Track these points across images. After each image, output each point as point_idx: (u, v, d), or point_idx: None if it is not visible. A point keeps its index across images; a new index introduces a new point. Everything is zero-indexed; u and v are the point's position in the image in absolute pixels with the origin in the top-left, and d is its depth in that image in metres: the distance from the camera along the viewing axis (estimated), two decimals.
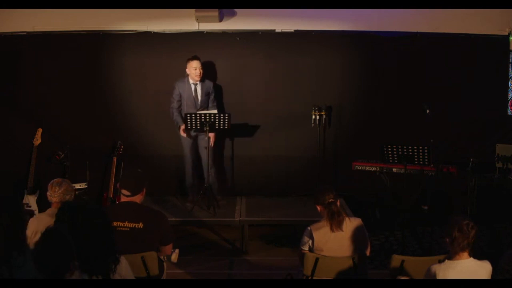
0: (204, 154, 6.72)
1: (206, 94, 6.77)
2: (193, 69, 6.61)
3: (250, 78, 7.33)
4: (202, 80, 6.74)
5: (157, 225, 4.01)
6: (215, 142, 6.88)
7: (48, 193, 4.19)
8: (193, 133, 6.76)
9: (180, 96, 6.76)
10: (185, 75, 6.75)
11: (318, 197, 4.13)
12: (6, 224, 2.63)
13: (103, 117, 7.28)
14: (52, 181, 4.21)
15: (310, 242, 4.07)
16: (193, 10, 6.93)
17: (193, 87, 6.73)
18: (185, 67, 6.71)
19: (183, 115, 6.57)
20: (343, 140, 7.38)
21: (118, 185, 4.20)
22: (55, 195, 4.12)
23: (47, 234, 2.69)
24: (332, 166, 7.39)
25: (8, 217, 2.67)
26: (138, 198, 4.05)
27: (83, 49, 7.20)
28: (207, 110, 6.74)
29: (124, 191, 4.03)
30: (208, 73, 6.99)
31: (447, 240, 3.31)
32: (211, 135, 6.70)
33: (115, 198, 6.75)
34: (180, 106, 6.79)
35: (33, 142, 6.75)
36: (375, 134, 7.12)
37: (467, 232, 3.24)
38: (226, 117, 6.41)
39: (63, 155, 6.74)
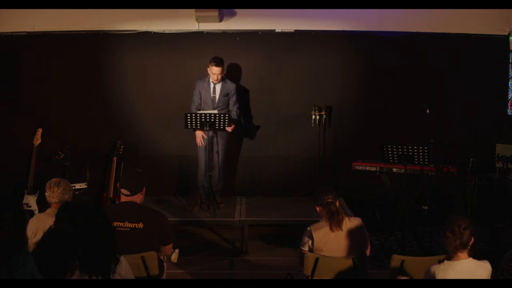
0: (215, 155, 6.73)
1: (225, 95, 6.73)
2: (212, 73, 6.59)
3: (250, 78, 7.32)
4: (224, 80, 6.72)
5: (157, 225, 4.01)
6: (228, 140, 6.88)
7: (46, 193, 4.13)
8: (210, 134, 6.65)
9: (200, 94, 6.72)
10: (206, 75, 6.70)
11: (317, 198, 4.13)
12: (7, 224, 2.63)
13: (103, 117, 7.27)
14: (49, 181, 4.15)
15: (310, 242, 4.07)
16: (193, 10, 6.94)
17: (212, 85, 6.70)
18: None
19: (184, 115, 6.54)
20: (343, 140, 7.38)
21: (118, 185, 4.20)
22: (54, 196, 4.09)
23: (48, 234, 2.69)
24: (332, 166, 7.39)
25: (11, 216, 2.67)
26: (138, 198, 4.06)
27: (83, 49, 7.20)
28: (227, 110, 6.73)
29: (123, 191, 4.03)
30: (232, 74, 7.00)
31: (444, 240, 3.32)
32: (229, 128, 6.66)
33: (115, 198, 6.75)
34: (200, 107, 6.72)
35: (33, 142, 6.75)
36: (375, 134, 7.12)
37: (458, 233, 3.24)
38: (226, 117, 6.41)
39: (63, 155, 6.74)
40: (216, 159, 6.79)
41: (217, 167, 6.81)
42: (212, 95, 6.71)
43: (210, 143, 6.67)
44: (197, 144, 6.78)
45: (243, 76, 7.30)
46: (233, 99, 6.79)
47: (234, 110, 6.78)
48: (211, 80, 6.68)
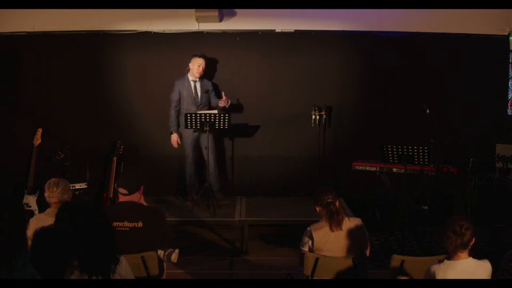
0: (205, 154, 6.75)
1: (205, 92, 6.85)
2: (197, 65, 6.72)
3: (250, 78, 7.33)
4: (201, 78, 6.83)
5: (157, 225, 4.02)
6: (216, 141, 6.96)
7: (46, 194, 4.11)
8: (194, 133, 6.77)
9: (180, 94, 6.79)
10: (185, 73, 6.79)
11: (317, 198, 4.13)
12: (7, 224, 2.63)
13: (103, 117, 7.28)
14: (48, 181, 4.14)
15: (310, 242, 4.07)
16: (193, 10, 6.94)
17: (192, 84, 6.81)
18: (189, 62, 6.78)
19: (184, 115, 6.55)
20: (343, 140, 7.38)
21: (115, 185, 4.19)
22: (54, 196, 4.08)
23: (40, 233, 2.69)
24: (332, 166, 7.39)
25: (11, 216, 2.67)
26: (136, 197, 4.06)
27: (83, 49, 7.20)
28: (209, 107, 6.85)
29: (121, 190, 4.03)
30: (207, 70, 7.02)
31: (444, 240, 3.32)
32: (224, 99, 6.77)
33: (115, 198, 6.74)
34: (179, 107, 6.81)
35: (33, 142, 6.75)
36: (375, 134, 7.12)
37: (460, 233, 3.24)
38: (226, 117, 6.42)
39: (63, 155, 6.74)
40: (212, 159, 6.84)
41: (211, 166, 6.85)
42: (194, 93, 6.78)
43: (197, 143, 6.76)
44: (184, 142, 6.88)
45: (243, 76, 7.31)
46: (212, 93, 6.93)
47: (215, 104, 6.88)
48: (190, 78, 6.77)
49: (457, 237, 3.24)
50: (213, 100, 6.92)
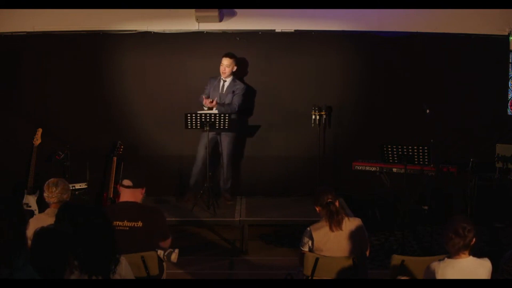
0: (224, 154, 6.90)
1: (231, 92, 6.88)
2: (221, 65, 6.79)
3: (250, 78, 7.32)
4: (233, 79, 6.88)
5: (156, 223, 4.04)
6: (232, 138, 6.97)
7: (45, 194, 4.10)
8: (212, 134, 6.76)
9: (210, 92, 6.87)
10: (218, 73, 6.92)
11: (317, 198, 4.14)
12: (7, 224, 2.63)
13: (103, 117, 7.28)
14: (47, 181, 4.13)
15: (310, 242, 4.07)
16: (193, 10, 6.94)
17: (221, 83, 6.87)
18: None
19: (184, 115, 6.54)
20: (343, 140, 7.38)
21: (118, 186, 4.21)
22: (53, 196, 4.07)
23: (39, 233, 2.69)
24: (332, 166, 7.39)
25: (11, 216, 2.67)
26: (138, 193, 4.09)
27: (83, 49, 7.20)
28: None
29: (125, 182, 4.07)
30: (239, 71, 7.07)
31: (445, 241, 3.31)
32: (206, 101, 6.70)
33: (115, 198, 6.75)
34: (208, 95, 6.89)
35: (33, 142, 6.75)
36: (375, 134, 7.12)
37: (463, 235, 3.24)
38: (227, 117, 6.43)
39: (63, 155, 6.74)
40: (221, 159, 6.88)
41: (224, 166, 6.90)
42: (219, 91, 6.82)
43: (211, 143, 6.73)
44: (199, 140, 6.83)
45: (242, 76, 7.30)
46: (235, 95, 6.85)
47: (232, 101, 6.82)
48: (221, 77, 6.83)
49: (459, 239, 3.24)
50: (234, 101, 6.87)
